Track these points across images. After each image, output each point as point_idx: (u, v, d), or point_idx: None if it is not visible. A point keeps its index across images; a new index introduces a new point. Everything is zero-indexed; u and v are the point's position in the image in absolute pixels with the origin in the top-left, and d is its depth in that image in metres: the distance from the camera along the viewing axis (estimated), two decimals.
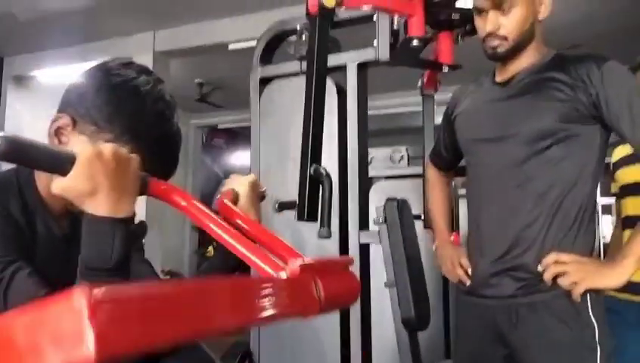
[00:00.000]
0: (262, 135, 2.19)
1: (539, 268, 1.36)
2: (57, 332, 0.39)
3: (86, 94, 0.93)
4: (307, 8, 1.58)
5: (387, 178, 3.26)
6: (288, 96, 2.13)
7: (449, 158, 1.74)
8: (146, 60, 5.25)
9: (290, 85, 2.13)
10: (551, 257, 1.35)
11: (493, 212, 1.46)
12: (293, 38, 2.21)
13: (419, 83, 2.31)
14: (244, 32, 4.52)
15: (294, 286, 0.62)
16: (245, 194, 1.04)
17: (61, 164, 0.72)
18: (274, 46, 2.25)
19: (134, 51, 5.31)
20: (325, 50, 1.63)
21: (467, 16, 2.13)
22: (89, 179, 0.73)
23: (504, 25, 1.40)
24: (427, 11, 1.87)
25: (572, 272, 1.32)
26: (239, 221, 0.91)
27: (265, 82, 2.19)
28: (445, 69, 2.07)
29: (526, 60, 1.46)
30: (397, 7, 1.80)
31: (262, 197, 1.11)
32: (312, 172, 1.44)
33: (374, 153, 3.28)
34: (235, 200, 1.03)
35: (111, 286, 0.41)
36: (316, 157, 1.47)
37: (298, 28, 2.09)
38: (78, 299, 0.39)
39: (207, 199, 8.80)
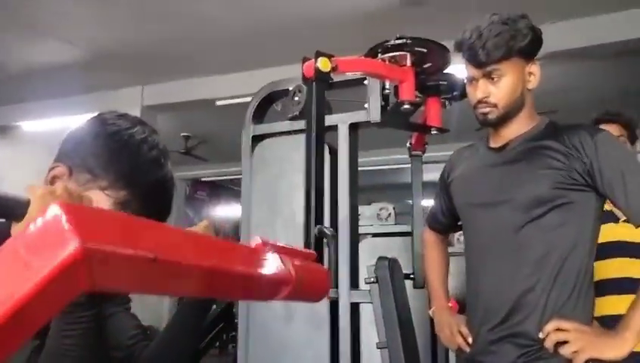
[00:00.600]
0: (253, 191, 2.21)
1: (540, 335, 1.37)
2: (38, 243, 0.40)
3: (82, 144, 0.97)
4: (303, 72, 1.63)
5: (375, 235, 3.27)
6: (279, 154, 2.16)
7: (447, 222, 1.76)
8: (134, 113, 5.27)
9: (281, 143, 2.17)
10: (552, 324, 1.35)
11: (491, 278, 1.48)
12: (286, 98, 2.26)
13: (407, 144, 2.36)
14: (231, 89, 4.61)
15: (265, 257, 0.64)
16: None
17: (16, 209, 0.73)
18: (266, 105, 2.30)
19: (122, 104, 5.35)
20: (322, 112, 1.68)
21: (454, 82, 2.21)
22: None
23: (493, 93, 1.46)
24: (417, 77, 1.93)
25: (573, 341, 1.32)
26: None
27: (256, 139, 2.22)
28: (434, 131, 2.13)
29: (518, 127, 1.51)
30: (389, 74, 1.86)
31: None
32: (316, 232, 1.46)
33: (361, 209, 3.30)
34: None
35: None
36: (320, 218, 1.49)
37: (290, 89, 2.14)
38: (53, 210, 0.40)
39: None
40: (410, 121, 2.09)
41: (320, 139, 1.55)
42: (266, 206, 2.16)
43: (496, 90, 1.45)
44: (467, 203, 1.59)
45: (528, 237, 1.43)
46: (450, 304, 1.78)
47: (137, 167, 0.96)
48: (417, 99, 1.99)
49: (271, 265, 0.67)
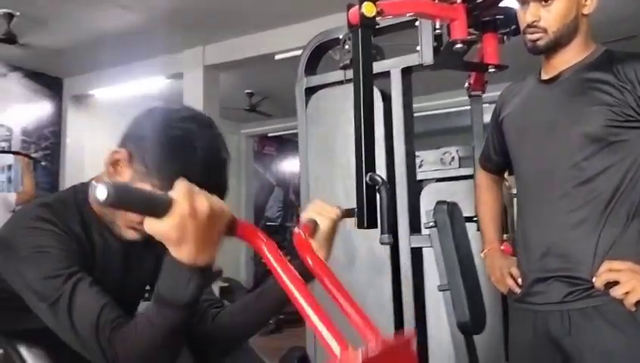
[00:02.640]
0: (310, 144, 2.24)
1: (593, 280, 1.33)
2: None
3: (145, 139, 1.00)
4: (348, 19, 1.61)
5: (438, 180, 3.23)
6: (333, 104, 2.16)
7: (499, 161, 1.70)
8: (196, 74, 5.41)
9: (335, 94, 2.17)
10: (604, 265, 1.31)
11: (540, 214, 1.44)
12: (337, 47, 2.24)
13: (466, 84, 2.30)
14: (290, 42, 4.59)
15: None
16: (326, 230, 1.07)
17: (157, 209, 0.74)
18: (318, 56, 2.29)
19: (186, 66, 5.49)
20: (369, 59, 1.64)
21: (511, 16, 2.11)
22: (179, 231, 0.74)
23: (544, 17, 1.37)
24: (470, 14, 1.86)
25: (625, 281, 1.28)
26: (308, 259, 0.93)
27: (310, 91, 2.23)
28: (492, 70, 2.06)
29: (571, 56, 1.42)
30: (439, 13, 1.79)
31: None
32: (368, 180, 1.47)
33: (423, 155, 3.26)
34: (314, 231, 1.05)
35: None
36: (371, 165, 1.49)
37: (340, 37, 2.12)
38: None
39: (261, 206, 8.95)
40: (465, 60, 2.03)
41: (368, 86, 1.53)
42: (323, 157, 2.19)
43: (547, 14, 1.36)
44: (517, 141, 1.53)
45: (579, 174, 1.37)
46: (502, 247, 1.75)
47: (189, 175, 0.95)
48: (472, 37, 1.92)
49: None
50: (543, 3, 1.36)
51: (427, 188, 3.07)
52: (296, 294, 0.76)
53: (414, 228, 2.04)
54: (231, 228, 0.82)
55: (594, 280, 1.32)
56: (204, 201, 0.76)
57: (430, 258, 1.97)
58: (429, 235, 1.90)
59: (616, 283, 1.30)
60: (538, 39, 1.39)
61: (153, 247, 1.13)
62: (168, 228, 0.74)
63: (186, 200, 0.74)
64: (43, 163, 5.75)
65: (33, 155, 5.36)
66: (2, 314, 1.03)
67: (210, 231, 0.77)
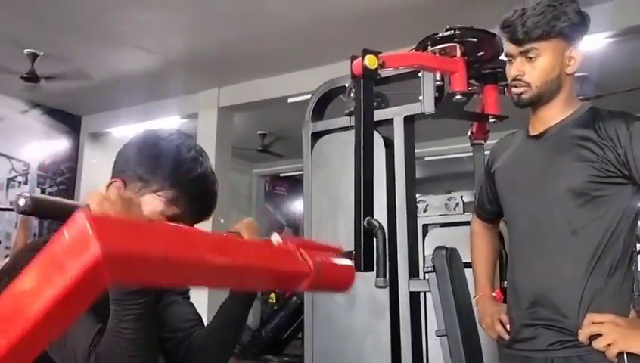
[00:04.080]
0: (314, 186, 2.29)
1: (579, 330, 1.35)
2: (69, 249, 0.50)
3: (130, 157, 1.11)
4: (352, 70, 1.69)
5: (443, 225, 3.26)
6: (338, 149, 2.23)
7: (493, 209, 1.74)
8: (211, 114, 5.54)
9: (340, 139, 2.23)
10: (587, 318, 1.34)
11: (529, 264, 1.47)
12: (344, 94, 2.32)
13: (469, 133, 2.36)
14: (302, 86, 4.71)
15: (285, 253, 0.74)
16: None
17: (66, 215, 0.83)
18: (325, 103, 2.37)
19: (200, 106, 5.63)
20: (371, 108, 1.72)
21: None
22: None
23: (528, 72, 1.43)
24: (470, 66, 1.94)
25: (607, 334, 1.30)
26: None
27: (316, 136, 2.30)
28: (492, 120, 2.12)
29: (555, 112, 1.48)
30: (439, 66, 1.88)
31: None
32: (365, 224, 1.51)
33: (429, 200, 3.31)
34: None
35: None
36: (369, 209, 1.55)
37: (347, 85, 2.20)
38: (79, 217, 0.50)
39: None
40: (466, 110, 2.10)
41: (368, 134, 1.60)
42: (327, 200, 2.24)
43: (532, 69, 1.43)
44: (508, 193, 1.58)
45: (564, 228, 1.41)
46: (494, 293, 1.77)
47: (179, 167, 1.08)
48: (471, 89, 1.99)
49: (290, 260, 0.74)
50: (528, 59, 1.42)
51: (431, 233, 3.11)
52: None
53: (414, 272, 2.07)
54: None
55: (579, 332, 1.34)
56: (113, 190, 0.90)
57: (430, 303, 1.99)
58: (427, 280, 1.93)
59: (599, 334, 1.32)
60: (522, 93, 1.45)
61: None
62: None
63: (96, 193, 0.85)
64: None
65: (48, 191, 5.46)
66: None
67: (129, 213, 0.86)
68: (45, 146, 6.18)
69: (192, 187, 1.08)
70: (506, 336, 1.55)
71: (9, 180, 5.86)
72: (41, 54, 4.74)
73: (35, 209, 0.82)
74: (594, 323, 1.32)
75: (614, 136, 1.36)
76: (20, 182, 5.90)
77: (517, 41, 1.42)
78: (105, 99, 5.80)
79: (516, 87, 1.46)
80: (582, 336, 1.33)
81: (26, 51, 4.70)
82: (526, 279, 1.48)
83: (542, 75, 1.42)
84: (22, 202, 0.81)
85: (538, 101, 1.46)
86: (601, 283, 1.37)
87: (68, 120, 6.35)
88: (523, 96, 1.46)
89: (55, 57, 4.79)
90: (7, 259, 3.83)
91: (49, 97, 5.77)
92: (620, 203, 1.38)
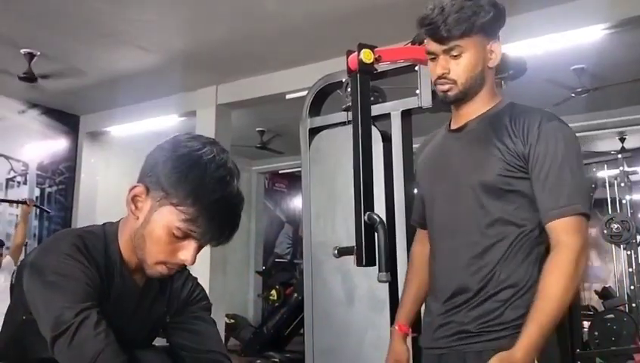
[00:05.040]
0: (313, 182, 2.29)
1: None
2: None
3: (157, 165, 1.06)
4: (348, 65, 1.68)
5: None
6: (335, 144, 2.23)
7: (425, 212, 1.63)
8: (209, 112, 5.53)
9: (337, 134, 2.24)
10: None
11: (445, 261, 1.45)
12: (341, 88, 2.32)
13: None
14: (300, 82, 4.71)
15: None
16: None
17: None
18: (321, 98, 2.37)
19: (198, 104, 5.62)
20: (367, 103, 1.71)
21: (509, 61, 2.17)
22: None
23: (453, 69, 1.41)
24: None
25: None
26: None
27: (313, 131, 2.30)
28: None
29: (478, 106, 1.46)
30: None
31: None
32: (366, 219, 1.51)
33: None
34: None
35: None
36: (369, 204, 1.54)
37: (343, 81, 2.20)
38: None
39: (271, 243, 8.98)
40: None
41: (366, 128, 1.59)
42: (325, 195, 2.24)
43: (456, 66, 1.40)
44: (429, 189, 1.55)
45: (477, 223, 1.39)
46: (409, 328, 1.66)
47: (203, 186, 1.02)
48: None
49: None
50: (452, 57, 1.40)
51: None
52: None
53: None
54: None
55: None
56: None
57: None
58: None
59: None
60: (448, 90, 1.43)
61: (164, 296, 1.19)
62: None
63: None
64: (50, 212, 5.88)
65: (47, 191, 5.46)
66: (14, 342, 1.08)
67: None
68: (43, 146, 6.17)
69: (213, 208, 1.03)
70: None
71: (8, 180, 5.86)
72: (38, 53, 4.72)
73: None
74: None
75: (525, 132, 1.35)
76: (19, 182, 5.90)
77: (439, 40, 1.39)
78: (103, 98, 5.79)
79: (442, 85, 1.44)
80: None
81: (22, 50, 4.68)
82: (442, 277, 1.45)
83: (466, 71, 1.41)
84: None
85: (464, 97, 1.44)
86: (509, 280, 1.35)
87: (66, 120, 6.34)
88: (449, 93, 1.43)
89: (52, 56, 4.77)
90: (9, 257, 3.82)
91: (47, 96, 5.76)
92: (533, 197, 1.35)
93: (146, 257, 1.07)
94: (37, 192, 6.03)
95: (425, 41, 1.46)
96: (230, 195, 1.05)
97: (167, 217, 1.03)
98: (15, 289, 1.06)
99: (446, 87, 1.43)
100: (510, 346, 1.27)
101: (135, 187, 1.07)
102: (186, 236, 1.03)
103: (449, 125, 1.54)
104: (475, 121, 1.46)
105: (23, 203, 4.68)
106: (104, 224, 1.17)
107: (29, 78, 4.88)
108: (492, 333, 1.34)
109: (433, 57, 1.44)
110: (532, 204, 1.36)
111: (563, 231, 1.30)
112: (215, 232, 1.04)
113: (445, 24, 1.36)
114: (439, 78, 1.43)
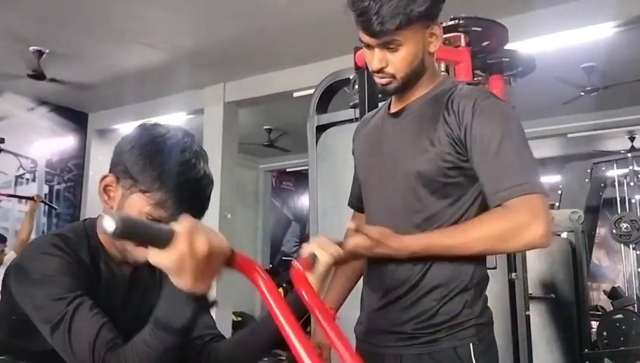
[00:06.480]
0: (319, 179, 2.29)
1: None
2: None
3: (123, 153, 1.08)
4: (355, 61, 1.68)
5: None
6: (343, 142, 2.21)
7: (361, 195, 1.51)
8: (217, 110, 5.54)
9: (344, 131, 2.23)
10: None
11: (379, 260, 1.30)
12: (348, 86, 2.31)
13: None
14: (307, 80, 4.71)
15: None
16: (324, 264, 1.10)
17: (159, 241, 0.79)
18: (328, 96, 2.37)
19: (206, 102, 5.63)
20: (375, 99, 1.72)
21: (517, 58, 2.17)
22: (179, 264, 0.80)
23: (391, 62, 1.27)
24: (475, 57, 1.93)
25: (368, 234, 1.18)
26: (304, 292, 1.00)
27: (320, 129, 2.30)
28: None
29: (419, 90, 1.34)
30: (443, 56, 1.87)
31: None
32: None
33: None
34: (312, 265, 1.09)
35: None
36: None
37: (350, 78, 2.20)
38: None
39: (278, 240, 8.99)
40: None
41: None
42: (332, 192, 2.23)
43: (394, 59, 1.26)
44: (365, 177, 1.43)
45: (413, 217, 1.28)
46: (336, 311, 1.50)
47: (168, 170, 1.05)
48: (476, 79, 1.98)
49: None
50: (389, 49, 1.26)
51: None
52: (287, 328, 0.82)
53: None
54: (230, 262, 0.87)
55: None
56: (203, 241, 0.80)
57: None
58: None
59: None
60: (387, 83, 1.31)
61: (156, 284, 1.19)
62: (168, 260, 0.80)
63: (186, 240, 0.79)
64: (56, 208, 5.90)
65: (56, 188, 5.48)
66: (14, 336, 1.09)
67: (208, 266, 0.82)
68: (52, 143, 6.21)
69: (180, 191, 1.04)
70: None
71: (17, 177, 5.89)
72: (47, 51, 4.75)
73: (126, 233, 0.75)
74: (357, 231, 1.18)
75: (461, 113, 1.23)
76: (28, 180, 5.93)
77: (373, 34, 1.24)
78: (111, 96, 5.82)
79: (380, 78, 1.31)
80: (348, 246, 1.19)
81: (31, 48, 4.71)
82: (376, 269, 1.34)
83: (405, 64, 1.27)
84: (109, 225, 0.72)
85: (404, 89, 1.32)
86: (443, 277, 1.26)
87: (75, 117, 6.38)
88: (388, 87, 1.31)
89: (61, 54, 4.80)
90: (13, 252, 3.81)
91: (56, 94, 5.79)
92: (474, 189, 1.26)
93: (127, 244, 1.08)
94: (46, 189, 6.07)
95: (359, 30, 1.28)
96: (196, 177, 1.07)
97: (137, 203, 1.04)
98: (2, 292, 1.07)
99: (384, 81, 1.30)
100: (447, 348, 1.22)
101: (106, 177, 1.09)
102: (157, 221, 1.04)
103: (388, 106, 1.42)
104: (414, 104, 1.33)
105: (31, 198, 4.70)
106: (84, 220, 1.19)
107: (38, 75, 4.91)
108: (427, 336, 1.25)
109: (367, 47, 1.29)
110: (472, 196, 1.26)
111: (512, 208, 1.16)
112: (183, 214, 1.05)
113: (377, 16, 1.20)
114: (377, 72, 1.30)
